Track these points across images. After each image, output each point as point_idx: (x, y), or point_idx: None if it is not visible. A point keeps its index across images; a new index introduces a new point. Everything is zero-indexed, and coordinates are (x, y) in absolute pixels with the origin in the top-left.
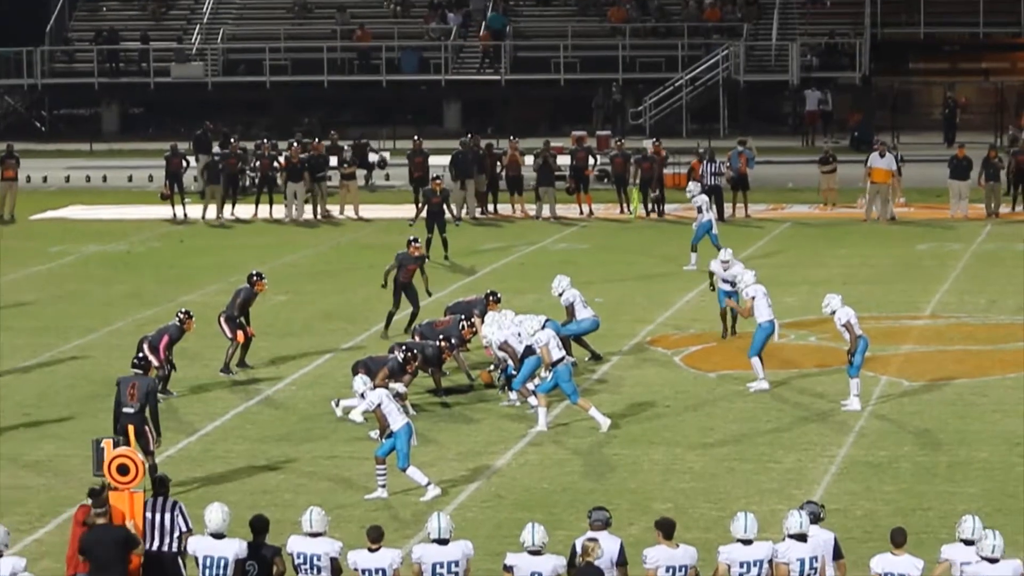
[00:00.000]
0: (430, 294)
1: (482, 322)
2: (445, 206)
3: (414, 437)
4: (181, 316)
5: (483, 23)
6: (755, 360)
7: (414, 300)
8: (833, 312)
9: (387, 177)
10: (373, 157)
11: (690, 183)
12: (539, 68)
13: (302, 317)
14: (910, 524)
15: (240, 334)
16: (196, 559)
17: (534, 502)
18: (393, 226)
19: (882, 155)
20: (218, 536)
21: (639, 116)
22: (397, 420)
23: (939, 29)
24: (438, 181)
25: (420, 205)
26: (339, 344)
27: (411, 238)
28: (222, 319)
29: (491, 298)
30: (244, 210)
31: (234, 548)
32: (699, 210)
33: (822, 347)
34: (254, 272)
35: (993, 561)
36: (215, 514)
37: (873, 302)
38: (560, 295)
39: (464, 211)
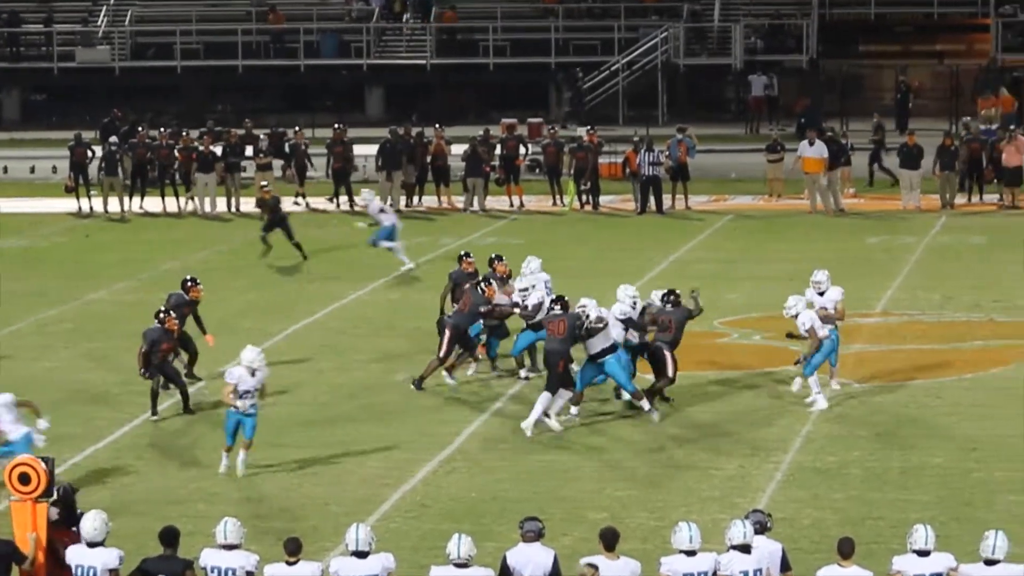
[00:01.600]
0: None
1: (492, 287)
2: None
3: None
4: (188, 284)
5: None
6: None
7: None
8: (795, 316)
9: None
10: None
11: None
12: (467, 52)
13: (217, 316)
14: (860, 534)
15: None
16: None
17: (461, 512)
18: (312, 219)
19: (811, 143)
20: (93, 545)
21: (572, 103)
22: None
23: (890, 9)
24: (267, 189)
25: (264, 217)
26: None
27: (463, 252)
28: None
29: (496, 262)
30: (153, 203)
31: (103, 558)
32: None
33: (767, 347)
34: (187, 278)
35: (924, 553)
36: (90, 522)
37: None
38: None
39: (389, 203)
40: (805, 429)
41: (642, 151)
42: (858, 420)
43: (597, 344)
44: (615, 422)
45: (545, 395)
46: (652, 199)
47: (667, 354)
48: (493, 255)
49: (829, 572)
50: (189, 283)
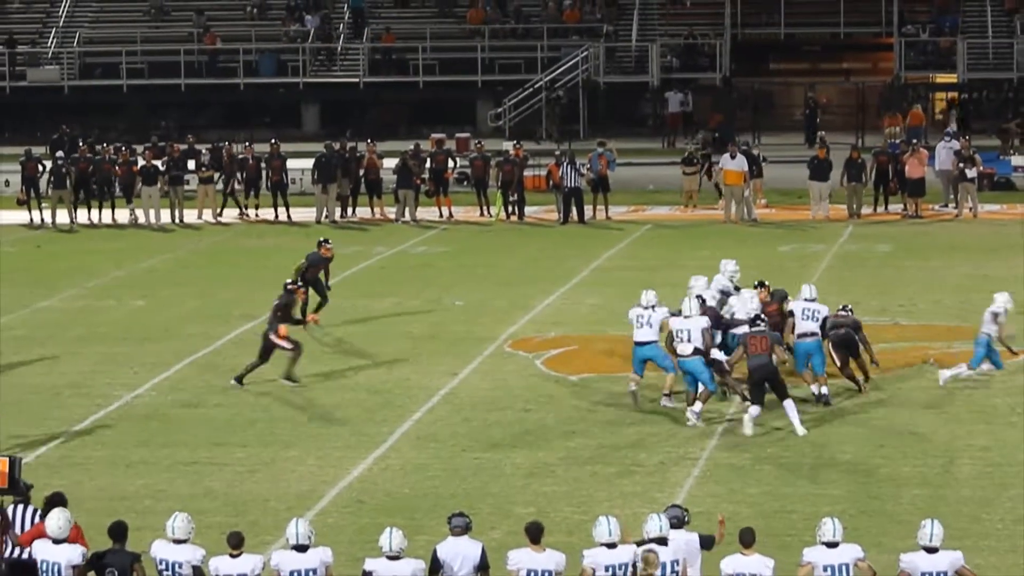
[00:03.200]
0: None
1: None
2: None
3: None
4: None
5: (346, 4)
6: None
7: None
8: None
9: (242, 181)
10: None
11: None
12: (398, 70)
13: (160, 322)
14: (773, 527)
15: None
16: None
17: (395, 507)
18: (252, 230)
19: (733, 156)
20: (57, 542)
21: (498, 119)
22: None
23: (799, 30)
24: (328, 247)
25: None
26: (199, 349)
27: (321, 239)
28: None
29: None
30: (100, 214)
31: (67, 554)
32: None
33: None
34: (321, 239)
35: (833, 544)
36: (54, 520)
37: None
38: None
39: (324, 215)
40: (721, 427)
41: (564, 164)
42: (771, 419)
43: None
44: (540, 420)
45: (787, 402)
46: (574, 210)
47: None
48: (321, 239)
49: (732, 560)
50: (323, 241)
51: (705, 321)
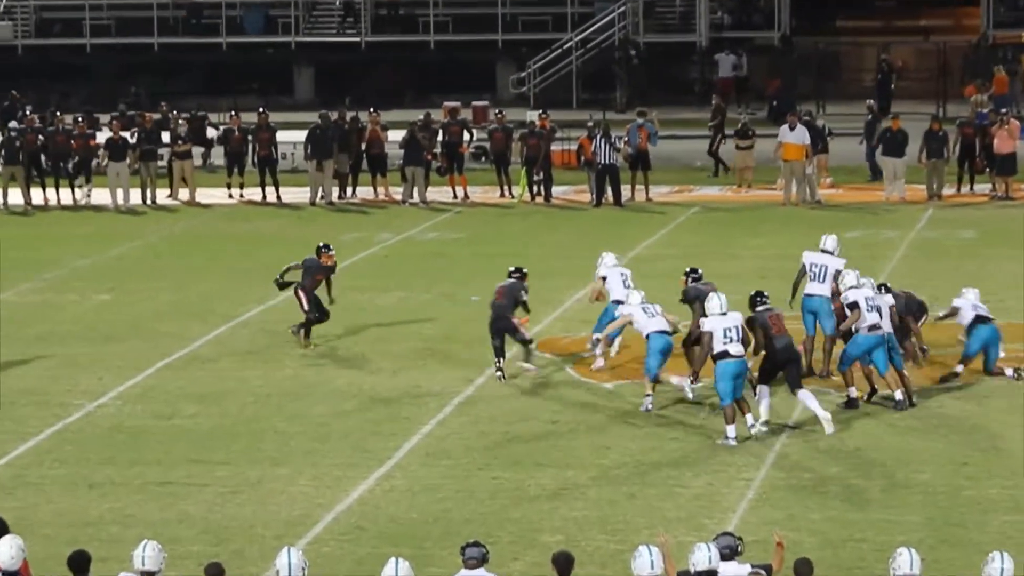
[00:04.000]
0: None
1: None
2: None
3: None
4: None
5: None
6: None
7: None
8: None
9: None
10: (212, 132)
11: None
12: (405, 28)
13: (129, 319)
14: (840, 558)
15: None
16: None
17: (401, 535)
18: (236, 212)
19: (792, 127)
20: (8, 574)
21: (521, 84)
22: None
23: None
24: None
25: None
26: (173, 351)
27: (322, 244)
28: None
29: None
30: (58, 194)
31: None
32: None
33: None
34: (321, 244)
35: None
36: (6, 549)
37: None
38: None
39: (320, 195)
40: (778, 444)
41: (598, 137)
42: (836, 433)
43: None
44: (569, 434)
45: (803, 393)
46: (609, 190)
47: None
48: (321, 244)
49: None
50: (323, 247)
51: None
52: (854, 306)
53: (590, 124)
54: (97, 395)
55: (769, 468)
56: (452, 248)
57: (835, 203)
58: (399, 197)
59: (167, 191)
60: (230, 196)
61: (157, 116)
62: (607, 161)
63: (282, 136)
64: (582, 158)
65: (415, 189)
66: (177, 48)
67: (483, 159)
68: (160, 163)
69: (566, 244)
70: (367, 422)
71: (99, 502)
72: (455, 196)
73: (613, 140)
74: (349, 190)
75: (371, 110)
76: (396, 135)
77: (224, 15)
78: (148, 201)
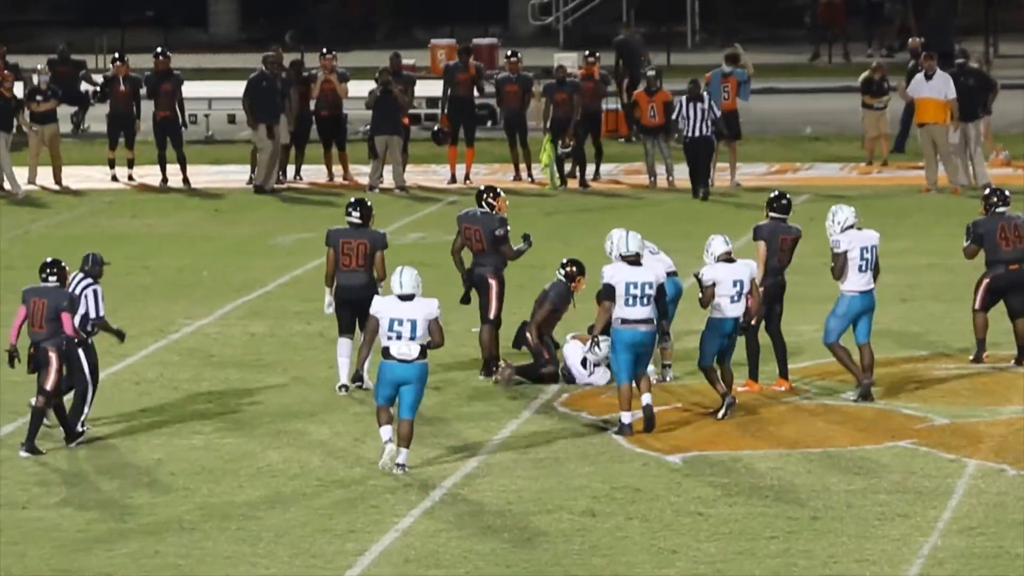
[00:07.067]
0: None
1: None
2: None
3: None
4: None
5: None
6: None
7: None
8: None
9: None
10: (87, 86)
11: None
12: None
13: None
14: None
15: None
16: None
17: None
18: (123, 202)
19: (930, 75)
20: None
21: (545, 12)
22: None
23: None
24: None
25: None
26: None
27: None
28: None
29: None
30: None
31: None
32: None
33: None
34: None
35: None
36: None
37: (949, 331)
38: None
39: (275, 178)
40: (929, 543)
41: (683, 100)
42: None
43: None
44: (613, 531)
45: None
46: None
47: None
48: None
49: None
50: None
51: None
52: None
53: (649, 72)
54: None
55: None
56: (443, 256)
57: (1009, 187)
58: (365, 180)
59: (24, 170)
60: (114, 178)
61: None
62: (696, 132)
63: (192, 89)
64: (635, 121)
65: (388, 168)
66: None
67: (489, 124)
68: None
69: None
70: (316, 514)
71: None
72: (453, 178)
73: (707, 103)
74: (291, 169)
75: (323, 51)
76: (361, 88)
77: None
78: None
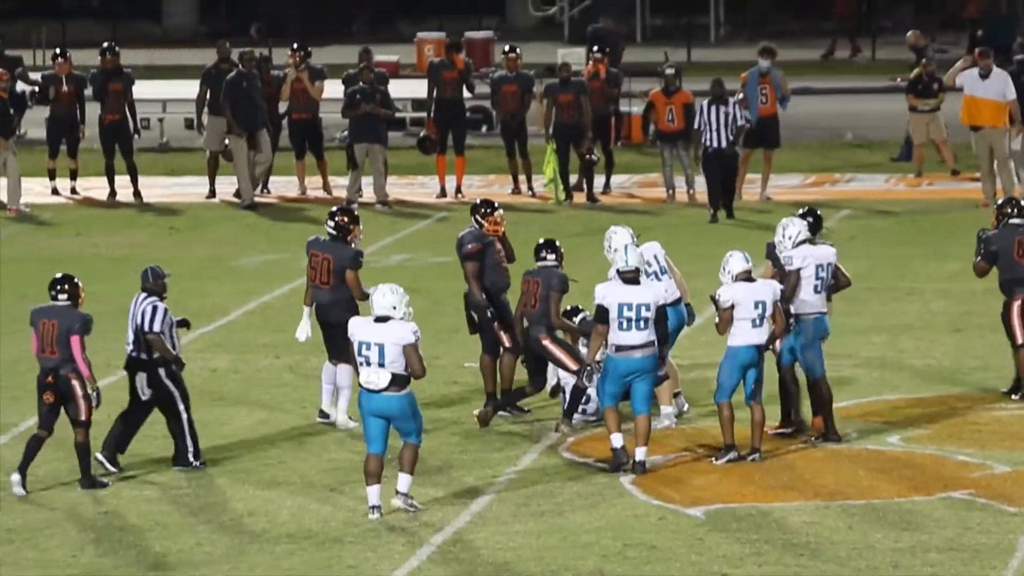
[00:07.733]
0: None
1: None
2: None
3: None
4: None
5: None
6: None
7: None
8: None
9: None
10: (23, 86)
11: None
12: None
13: None
14: None
15: None
16: None
17: None
18: (66, 218)
19: (985, 74)
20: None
21: (549, 3)
22: None
23: None
24: None
25: None
26: None
27: None
28: None
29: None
30: None
31: None
32: None
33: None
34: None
35: None
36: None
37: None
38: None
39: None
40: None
41: (703, 105)
42: None
43: None
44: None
45: None
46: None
47: None
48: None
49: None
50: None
51: None
52: None
53: (667, 70)
54: None
55: None
56: (431, 280)
57: None
58: (343, 194)
59: None
60: (55, 191)
61: None
62: (719, 142)
63: (144, 90)
64: (651, 125)
65: (370, 180)
66: None
67: (483, 128)
68: None
69: None
70: None
71: None
72: (443, 192)
73: (732, 108)
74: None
75: (293, 47)
76: (337, 89)
77: None
78: None
